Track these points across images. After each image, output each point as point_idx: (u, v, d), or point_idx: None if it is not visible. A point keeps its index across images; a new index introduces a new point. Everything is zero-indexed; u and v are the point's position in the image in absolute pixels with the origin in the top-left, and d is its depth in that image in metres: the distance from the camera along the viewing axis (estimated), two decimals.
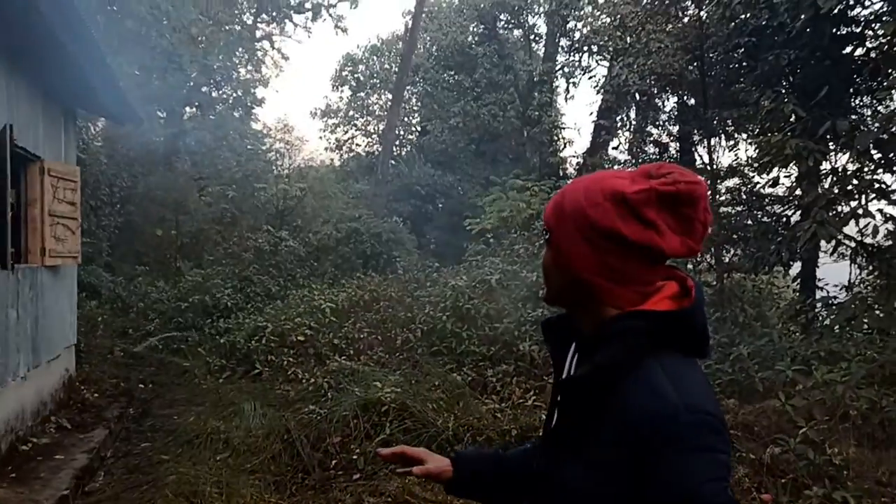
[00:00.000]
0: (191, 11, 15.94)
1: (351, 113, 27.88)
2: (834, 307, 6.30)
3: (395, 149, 23.96)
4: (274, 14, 25.88)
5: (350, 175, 24.85)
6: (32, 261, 5.74)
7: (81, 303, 8.85)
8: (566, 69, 20.67)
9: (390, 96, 23.31)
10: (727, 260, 8.43)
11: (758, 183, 8.39)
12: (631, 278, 1.07)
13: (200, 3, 18.75)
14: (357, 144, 28.35)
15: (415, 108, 26.70)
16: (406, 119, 26.40)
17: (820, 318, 6.47)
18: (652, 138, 13.40)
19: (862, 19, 7.38)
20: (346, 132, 28.18)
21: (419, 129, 26.34)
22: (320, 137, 27.88)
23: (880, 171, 6.80)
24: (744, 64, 8.61)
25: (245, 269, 11.52)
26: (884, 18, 6.76)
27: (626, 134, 14.94)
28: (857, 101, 7.81)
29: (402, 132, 26.11)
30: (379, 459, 4.66)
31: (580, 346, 1.18)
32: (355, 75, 27.44)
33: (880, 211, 6.19)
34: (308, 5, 26.60)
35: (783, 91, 7.59)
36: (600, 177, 1.10)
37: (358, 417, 5.09)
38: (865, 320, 5.40)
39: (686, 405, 0.97)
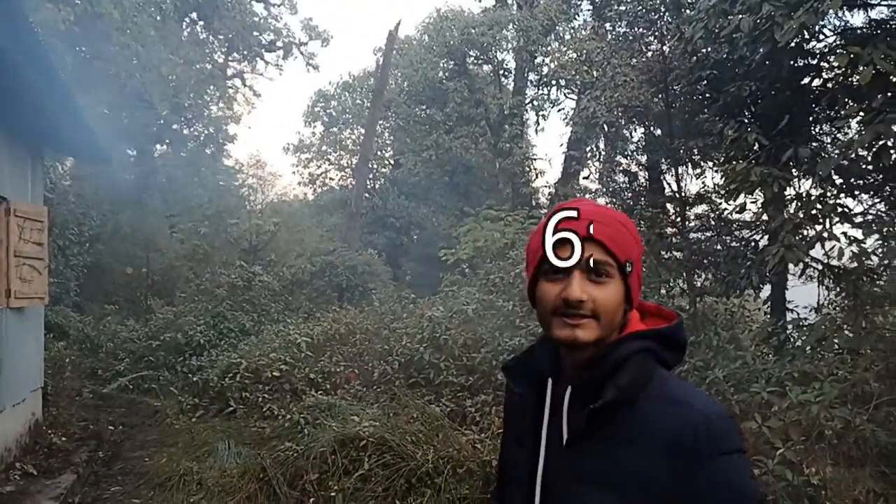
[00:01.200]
0: (161, 51, 15.99)
1: (324, 148, 28.01)
2: (805, 328, 6.40)
3: (368, 182, 24.04)
4: (245, 52, 26.05)
5: (324, 209, 24.86)
6: None
7: (48, 344, 8.63)
8: (535, 102, 21.07)
9: (363, 131, 23.46)
10: (699, 284, 8.55)
11: (725, 209, 8.55)
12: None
13: (171, 42, 18.81)
14: (330, 178, 28.44)
15: (387, 142, 26.92)
16: (379, 153, 26.58)
17: (792, 340, 6.56)
18: (621, 168, 13.64)
19: (817, 52, 7.67)
20: (320, 167, 28.28)
21: (392, 162, 26.52)
22: (293, 172, 27.87)
23: (842, 195, 7.01)
24: (707, 95, 8.86)
25: (218, 305, 11.36)
26: (837, 51, 7.03)
27: (596, 164, 15.21)
28: (817, 129, 8.06)
29: (375, 166, 26.25)
30: (358, 496, 4.59)
31: (574, 377, 1.13)
32: (328, 111, 27.64)
33: (844, 234, 6.35)
34: (279, 44, 26.86)
35: (746, 121, 7.80)
36: (612, 210, 1.17)
37: (336, 453, 5.00)
38: (836, 340, 5.50)
39: (713, 413, 1.02)
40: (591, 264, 1.06)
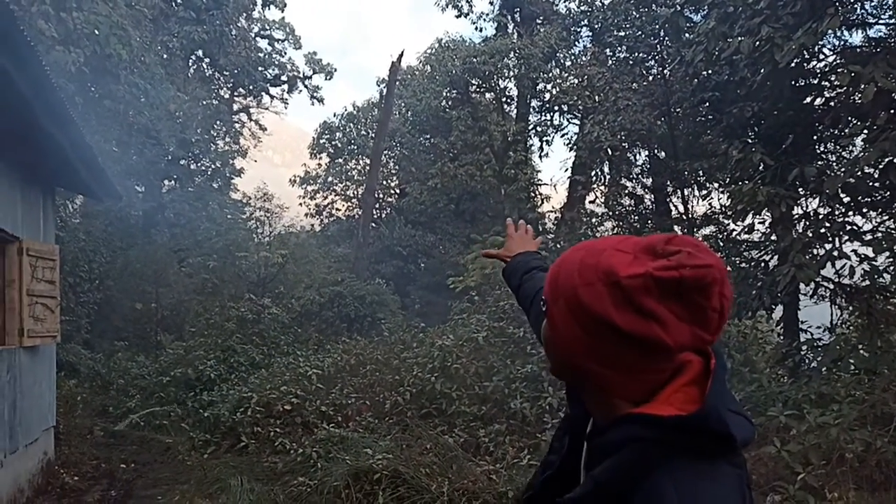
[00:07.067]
0: (168, 89, 16.26)
1: (330, 179, 28.18)
2: (819, 349, 6.35)
3: (374, 212, 24.15)
4: (250, 87, 26.48)
5: (331, 239, 24.95)
6: (10, 342, 5.62)
7: (60, 382, 8.63)
8: (539, 128, 21.22)
9: (368, 161, 23.65)
10: None
11: (734, 230, 8.56)
12: (632, 369, 0.92)
13: (178, 80, 19.15)
14: (337, 209, 28.56)
15: (393, 171, 27.10)
16: (385, 182, 26.73)
17: (807, 361, 6.49)
18: (627, 191, 13.68)
19: (818, 71, 7.72)
20: (326, 198, 28.42)
21: (398, 191, 26.67)
22: (300, 204, 27.92)
23: (850, 213, 6.99)
24: (710, 117, 8.92)
25: (228, 339, 11.35)
26: (838, 70, 7.08)
27: (602, 188, 15.26)
28: (821, 148, 8.08)
29: (381, 195, 26.38)
30: None
31: (590, 436, 1.05)
32: (333, 142, 27.88)
33: (854, 252, 6.33)
34: (284, 78, 27.29)
35: (750, 141, 7.84)
36: (600, 248, 0.94)
37: (349, 487, 4.95)
38: (851, 361, 5.44)
39: None
40: None
